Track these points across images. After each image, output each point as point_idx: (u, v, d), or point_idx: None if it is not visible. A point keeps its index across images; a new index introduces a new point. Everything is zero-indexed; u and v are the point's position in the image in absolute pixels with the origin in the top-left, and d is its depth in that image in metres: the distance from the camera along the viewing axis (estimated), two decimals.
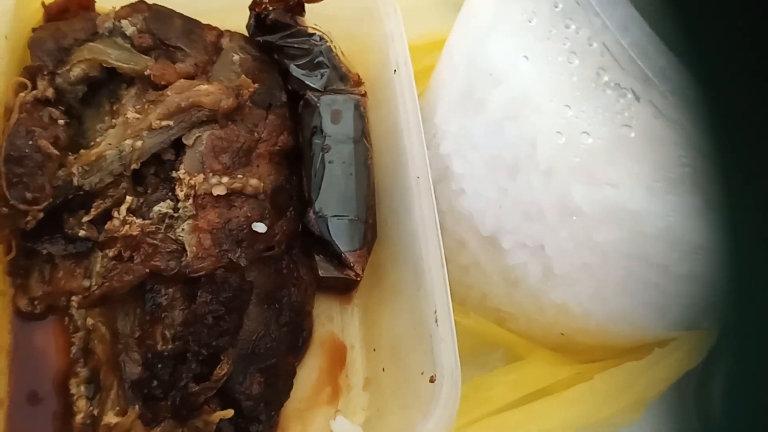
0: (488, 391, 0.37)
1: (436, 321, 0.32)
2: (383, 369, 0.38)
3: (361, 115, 0.42)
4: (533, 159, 0.29)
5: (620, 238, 0.28)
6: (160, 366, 0.34)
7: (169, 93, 0.38)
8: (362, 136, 0.41)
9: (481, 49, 0.32)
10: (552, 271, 0.33)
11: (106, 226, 0.35)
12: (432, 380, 0.31)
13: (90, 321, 0.35)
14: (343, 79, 0.43)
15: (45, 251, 0.36)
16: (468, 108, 0.34)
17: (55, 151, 0.35)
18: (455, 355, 0.31)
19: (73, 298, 0.36)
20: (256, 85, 0.39)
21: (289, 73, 0.42)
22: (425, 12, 0.48)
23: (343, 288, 0.40)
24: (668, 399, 0.37)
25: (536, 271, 0.34)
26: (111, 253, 0.35)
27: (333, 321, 0.41)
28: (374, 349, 0.39)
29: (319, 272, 0.38)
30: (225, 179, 0.37)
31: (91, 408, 0.33)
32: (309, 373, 0.38)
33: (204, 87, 0.38)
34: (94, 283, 0.36)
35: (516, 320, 0.39)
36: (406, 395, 0.35)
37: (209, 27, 0.43)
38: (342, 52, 0.43)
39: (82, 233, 0.36)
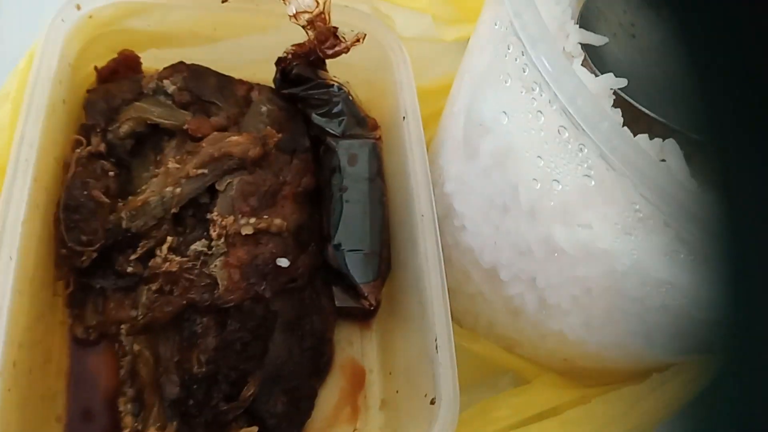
0: (493, 413, 0.39)
1: (436, 348, 0.35)
2: (397, 391, 0.41)
3: (376, 157, 0.46)
4: (518, 202, 0.33)
5: (597, 273, 0.30)
6: (195, 387, 0.38)
7: (204, 145, 0.43)
8: (377, 176, 0.45)
9: (474, 102, 0.36)
10: (546, 302, 0.36)
11: (149, 263, 0.40)
12: (432, 402, 0.35)
13: (136, 346, 0.40)
14: (361, 124, 0.47)
15: (98, 285, 0.41)
16: (464, 154, 0.37)
17: (106, 200, 0.40)
18: (453, 379, 0.34)
19: (122, 326, 0.41)
20: (279, 135, 0.44)
21: (311, 121, 0.46)
22: (440, 57, 0.51)
23: (362, 316, 0.44)
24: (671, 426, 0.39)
25: (532, 301, 0.36)
26: (154, 287, 0.40)
27: (353, 346, 0.44)
28: (390, 373, 0.43)
29: (336, 302, 0.42)
30: (252, 220, 0.41)
31: (136, 424, 0.38)
32: (330, 394, 0.42)
33: (234, 138, 0.43)
34: (139, 313, 0.40)
35: (522, 346, 0.41)
36: (415, 416, 0.38)
37: (240, 82, 0.48)
38: (359, 99, 0.48)
39: (129, 270, 0.41)
